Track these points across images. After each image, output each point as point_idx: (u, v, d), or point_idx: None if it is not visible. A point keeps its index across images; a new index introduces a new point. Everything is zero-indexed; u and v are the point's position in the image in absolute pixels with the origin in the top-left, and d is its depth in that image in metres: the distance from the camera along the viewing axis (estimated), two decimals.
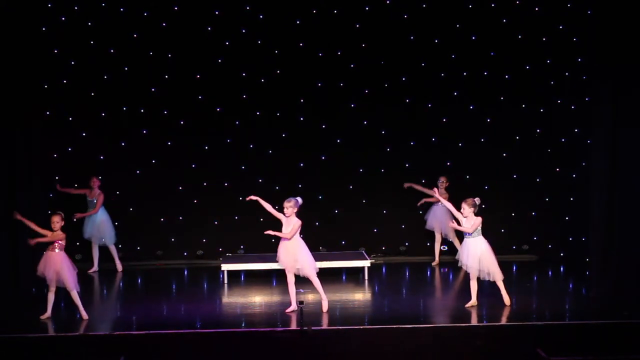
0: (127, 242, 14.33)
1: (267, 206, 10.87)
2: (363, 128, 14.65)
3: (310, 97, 14.59)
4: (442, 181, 14.01)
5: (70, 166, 14.34)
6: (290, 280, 10.88)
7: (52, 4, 13.95)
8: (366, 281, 13.03)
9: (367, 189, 14.73)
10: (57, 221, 10.71)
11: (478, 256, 10.94)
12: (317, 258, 11.38)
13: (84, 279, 11.88)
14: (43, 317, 10.71)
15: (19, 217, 10.92)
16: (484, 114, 14.67)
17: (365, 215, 14.74)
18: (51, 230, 10.68)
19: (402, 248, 14.84)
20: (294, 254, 10.84)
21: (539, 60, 14.45)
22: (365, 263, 13.20)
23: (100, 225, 13.88)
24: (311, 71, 14.52)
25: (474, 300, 11.04)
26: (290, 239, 10.81)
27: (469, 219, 10.96)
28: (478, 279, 11.05)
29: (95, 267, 13.95)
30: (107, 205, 14.04)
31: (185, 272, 14.12)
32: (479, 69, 14.56)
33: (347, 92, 14.60)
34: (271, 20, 14.42)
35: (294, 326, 10.13)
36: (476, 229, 10.91)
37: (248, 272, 13.48)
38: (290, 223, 10.85)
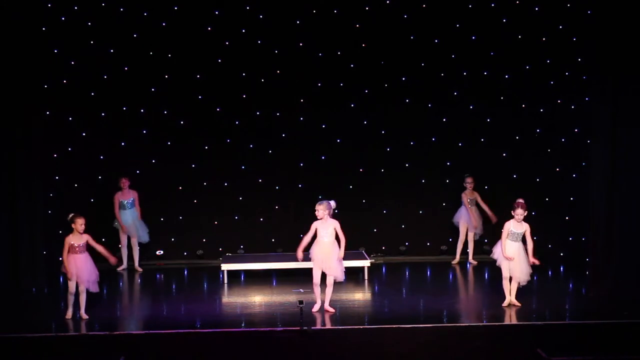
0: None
1: (307, 239, 10.82)
2: (363, 128, 14.65)
3: (310, 97, 14.59)
4: (469, 182, 14.03)
5: (70, 166, 14.34)
6: (316, 280, 10.82)
7: (52, 4, 13.94)
8: (366, 281, 13.02)
9: (367, 189, 14.72)
10: (82, 223, 10.66)
11: (511, 255, 10.92)
12: None
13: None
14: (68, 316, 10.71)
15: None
16: (484, 114, 14.68)
17: (365, 215, 14.73)
18: (72, 230, 10.67)
19: (402, 248, 14.84)
20: (327, 255, 10.77)
21: (539, 60, 14.46)
22: (365, 263, 13.19)
23: (137, 221, 13.97)
24: (311, 71, 14.52)
25: (508, 299, 11.02)
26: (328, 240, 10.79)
27: (520, 224, 10.93)
28: (511, 278, 11.04)
29: (125, 265, 14.03)
30: (107, 206, 14.09)
31: (185, 272, 14.12)
32: (479, 69, 14.56)
33: (347, 92, 14.60)
34: (271, 20, 14.42)
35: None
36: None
37: (248, 272, 13.48)
38: (329, 225, 10.79)
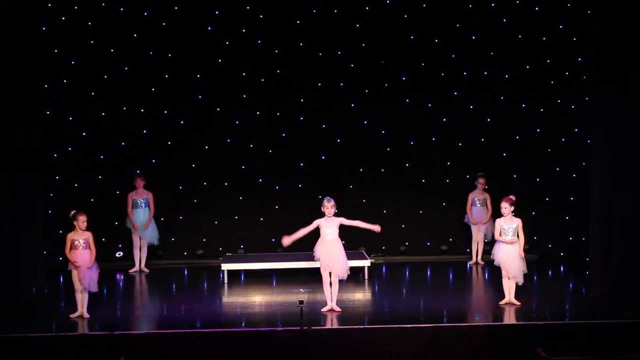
0: (127, 242, 14.29)
1: (304, 231, 10.73)
2: (363, 128, 14.66)
3: (310, 97, 14.59)
4: (482, 183, 14.02)
5: (70, 166, 14.34)
6: (325, 279, 10.78)
7: (52, 4, 13.95)
8: (366, 281, 13.02)
9: (367, 189, 14.72)
10: (84, 220, 10.61)
11: (506, 255, 10.96)
12: None
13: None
14: (74, 315, 10.66)
15: None
16: (484, 114, 14.68)
17: (365, 215, 14.64)
18: (74, 228, 10.62)
19: (402, 248, 14.84)
20: (332, 253, 10.72)
21: (539, 60, 14.46)
22: (365, 263, 13.19)
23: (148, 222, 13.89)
24: (311, 71, 14.52)
25: (507, 298, 11.03)
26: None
27: (509, 219, 10.95)
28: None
29: (137, 267, 13.95)
30: (107, 206, 14.09)
31: (185, 272, 14.12)
32: (479, 69, 14.56)
33: (347, 92, 14.60)
34: (271, 20, 14.42)
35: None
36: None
37: (248, 272, 13.48)
38: (334, 222, 10.78)
